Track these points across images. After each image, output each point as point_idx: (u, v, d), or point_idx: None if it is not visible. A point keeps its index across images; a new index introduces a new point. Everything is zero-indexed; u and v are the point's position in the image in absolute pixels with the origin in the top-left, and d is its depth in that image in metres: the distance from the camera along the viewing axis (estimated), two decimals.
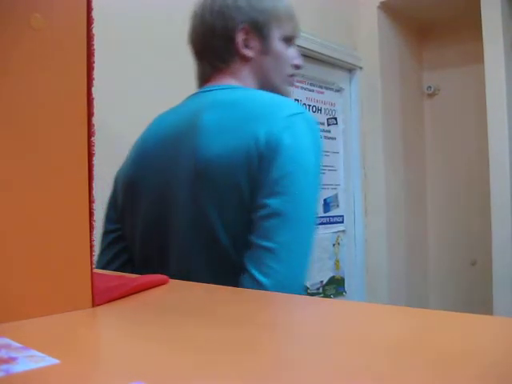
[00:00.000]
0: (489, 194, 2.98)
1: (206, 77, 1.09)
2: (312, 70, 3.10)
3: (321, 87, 3.21)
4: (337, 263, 3.18)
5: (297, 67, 1.14)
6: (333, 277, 3.17)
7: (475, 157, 3.56)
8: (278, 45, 1.09)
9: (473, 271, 3.64)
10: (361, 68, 3.41)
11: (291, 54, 1.13)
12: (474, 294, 3.51)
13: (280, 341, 0.43)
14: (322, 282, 3.09)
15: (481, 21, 3.00)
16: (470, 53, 3.48)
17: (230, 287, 0.67)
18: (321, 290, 3.08)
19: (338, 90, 3.34)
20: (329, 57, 3.15)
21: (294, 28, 1.13)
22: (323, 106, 3.22)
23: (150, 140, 1.07)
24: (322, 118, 3.21)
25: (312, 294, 2.99)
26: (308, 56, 3.04)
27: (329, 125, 3.24)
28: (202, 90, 1.05)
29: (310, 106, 3.12)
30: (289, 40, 1.11)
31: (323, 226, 3.16)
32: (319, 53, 3.06)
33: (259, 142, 0.87)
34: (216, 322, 0.48)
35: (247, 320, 0.49)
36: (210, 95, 1.01)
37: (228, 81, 1.05)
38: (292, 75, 1.13)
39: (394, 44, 3.59)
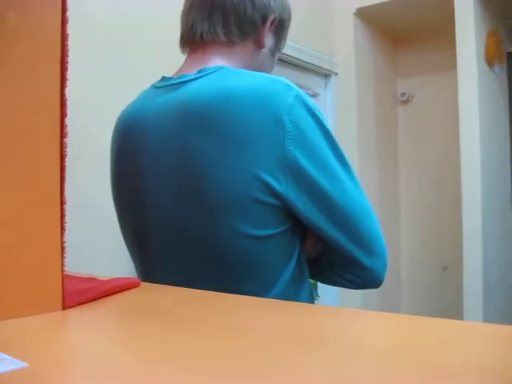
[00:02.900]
0: (460, 200, 3.02)
1: (199, 39, 1.00)
2: (288, 74, 3.11)
3: None
4: None
5: None
6: None
7: (447, 163, 3.60)
8: (277, 52, 1.12)
9: (444, 276, 3.68)
10: (336, 74, 3.43)
11: None
12: (444, 299, 3.55)
13: (254, 346, 0.43)
14: None
15: (454, 30, 3.04)
16: (444, 61, 3.53)
17: (201, 290, 0.67)
18: None
19: (313, 95, 3.35)
20: (305, 62, 3.16)
21: (283, 46, 1.15)
22: None
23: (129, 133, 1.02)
24: None
25: None
26: (284, 61, 3.05)
27: None
28: (185, 78, 0.95)
29: None
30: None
31: None
32: (295, 58, 3.07)
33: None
34: (186, 325, 0.48)
35: (220, 323, 0.49)
36: (195, 94, 0.90)
37: (218, 59, 0.99)
38: None
39: (370, 51, 3.62)
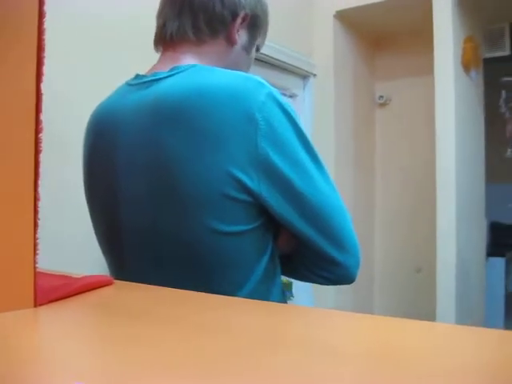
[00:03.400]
0: (435, 202, 3.05)
1: (170, 38, 1.01)
2: (266, 75, 3.11)
3: None
4: None
5: None
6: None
7: (423, 166, 3.63)
8: (253, 49, 1.11)
9: (418, 278, 3.71)
10: (315, 75, 3.44)
11: None
12: (418, 301, 3.58)
13: (225, 345, 0.43)
14: None
15: (432, 34, 3.07)
16: (421, 65, 3.56)
17: (173, 289, 0.67)
18: None
19: (291, 96, 3.36)
20: (283, 62, 3.17)
21: (263, 43, 1.15)
22: None
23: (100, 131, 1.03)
24: None
25: None
26: (262, 61, 3.05)
27: None
28: (158, 76, 0.96)
29: None
30: (256, 50, 1.13)
31: None
32: (274, 58, 3.07)
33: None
34: (157, 324, 0.48)
35: (191, 322, 0.49)
36: (165, 93, 0.91)
37: (190, 57, 1.00)
38: None
39: (348, 53, 3.64)
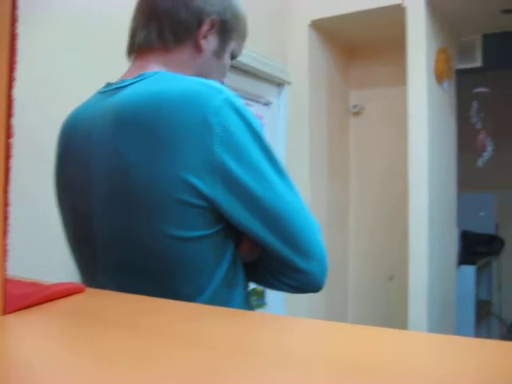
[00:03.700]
0: (407, 211, 3.08)
1: (140, 46, 1.03)
2: (241, 82, 3.12)
3: (249, 100, 3.23)
4: None
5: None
6: (253, 289, 3.17)
7: (396, 174, 3.67)
8: (227, 55, 1.10)
9: (390, 286, 3.74)
10: (289, 83, 3.46)
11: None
12: (390, 308, 3.61)
13: (203, 355, 0.43)
14: None
15: (405, 45, 3.11)
16: (395, 74, 3.60)
17: (144, 296, 0.66)
18: None
19: (266, 104, 3.37)
20: (258, 70, 3.17)
21: (240, 49, 1.14)
22: None
23: (69, 138, 1.04)
24: None
25: None
26: (237, 68, 3.05)
27: None
28: (124, 83, 0.97)
29: None
30: (233, 57, 1.12)
31: None
32: (249, 66, 3.08)
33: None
34: (129, 331, 0.47)
35: (164, 331, 0.48)
36: (124, 99, 0.93)
37: (157, 64, 1.01)
38: None
39: (323, 62, 3.66)
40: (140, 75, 0.96)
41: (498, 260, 5.17)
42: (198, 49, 1.03)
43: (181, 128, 0.83)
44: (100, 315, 0.56)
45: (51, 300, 0.60)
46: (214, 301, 0.89)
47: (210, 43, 1.04)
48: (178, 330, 0.50)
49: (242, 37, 1.12)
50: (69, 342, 0.44)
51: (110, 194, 0.91)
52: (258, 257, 0.99)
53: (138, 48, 1.02)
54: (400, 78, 3.27)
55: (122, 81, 0.99)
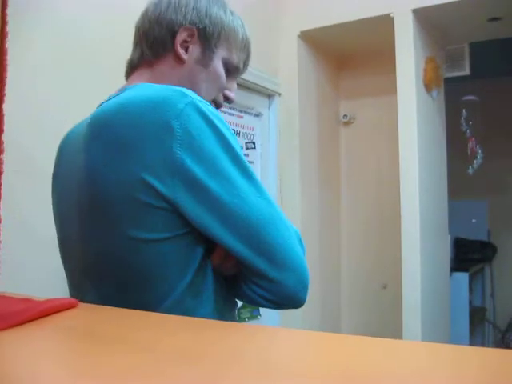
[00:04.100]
0: (399, 219, 3.09)
1: (132, 66, 1.08)
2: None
3: (240, 111, 3.23)
4: None
5: (227, 99, 1.14)
6: None
7: (387, 183, 3.68)
8: (218, 64, 1.08)
9: (384, 294, 3.74)
10: (280, 94, 3.47)
11: (229, 84, 1.13)
12: (384, 317, 3.61)
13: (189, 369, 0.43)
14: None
15: (395, 55, 3.13)
16: (384, 84, 3.62)
17: (138, 311, 0.66)
18: (236, 314, 3.06)
19: (256, 115, 3.38)
20: (249, 82, 3.19)
21: (242, 61, 1.13)
22: (242, 130, 3.25)
23: (59, 156, 1.10)
24: (241, 141, 3.23)
25: None
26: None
27: (247, 149, 3.27)
28: (107, 99, 1.00)
29: None
30: (232, 69, 1.11)
31: None
32: (240, 77, 3.09)
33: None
34: (124, 347, 0.47)
35: (158, 346, 0.48)
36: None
37: (141, 78, 1.04)
38: (219, 104, 1.12)
39: (313, 72, 3.68)
40: (123, 89, 0.99)
41: (491, 266, 5.19)
42: (179, 59, 1.04)
43: (143, 131, 0.83)
44: (94, 331, 0.56)
45: (45, 316, 0.60)
46: (175, 310, 0.86)
47: (192, 53, 1.04)
48: (170, 344, 0.50)
49: (238, 47, 1.10)
50: (64, 359, 0.44)
51: (77, 202, 0.94)
52: (233, 270, 0.94)
53: (130, 68, 1.08)
54: (390, 87, 3.29)
55: (108, 97, 1.01)
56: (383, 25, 3.16)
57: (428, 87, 3.30)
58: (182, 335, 0.55)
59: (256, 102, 3.38)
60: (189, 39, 1.03)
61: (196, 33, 1.03)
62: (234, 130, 3.18)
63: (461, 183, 4.27)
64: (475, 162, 4.07)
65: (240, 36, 1.10)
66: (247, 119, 3.30)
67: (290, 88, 3.46)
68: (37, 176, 1.61)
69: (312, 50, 3.65)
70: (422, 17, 3.18)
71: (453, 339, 3.69)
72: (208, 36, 1.05)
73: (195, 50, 1.04)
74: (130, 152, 0.83)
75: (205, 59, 1.06)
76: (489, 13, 3.19)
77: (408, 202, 3.07)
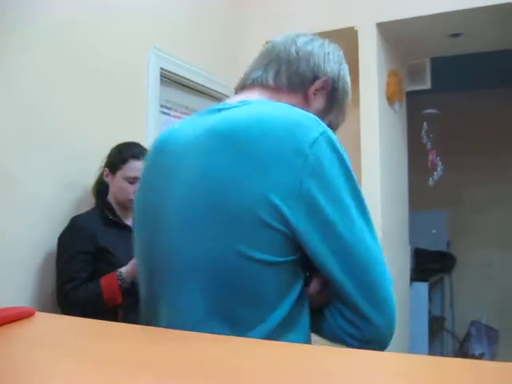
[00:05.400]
0: None
1: (255, 81, 1.08)
2: (196, 102, 3.13)
3: None
4: None
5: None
6: None
7: None
8: (326, 119, 1.09)
9: None
10: None
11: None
12: None
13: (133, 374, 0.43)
14: None
15: (358, 67, 3.17)
16: None
17: (93, 320, 0.66)
18: None
19: None
20: (213, 91, 3.20)
21: (337, 122, 1.18)
22: None
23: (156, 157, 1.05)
24: None
25: None
26: (193, 89, 3.07)
27: None
28: (224, 106, 1.00)
29: None
30: (332, 124, 1.14)
31: None
32: (204, 86, 3.10)
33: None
34: (78, 357, 0.47)
35: (112, 357, 0.48)
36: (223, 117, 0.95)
37: (263, 96, 1.05)
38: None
39: None
40: (242, 101, 0.99)
41: (450, 276, 5.28)
42: (307, 101, 1.07)
43: (274, 152, 0.84)
44: (50, 340, 0.56)
45: (1, 325, 0.59)
46: (274, 336, 0.84)
47: (317, 100, 1.08)
48: (127, 353, 0.50)
49: (342, 112, 1.17)
50: (19, 369, 0.44)
51: (187, 212, 0.91)
52: (323, 303, 0.95)
53: (252, 83, 1.08)
54: (352, 99, 3.32)
55: (223, 104, 1.02)
56: (347, 37, 3.20)
57: (390, 100, 3.36)
58: (140, 344, 0.56)
59: None
60: (321, 89, 1.08)
61: (328, 87, 1.08)
62: None
63: (421, 194, 4.34)
64: (435, 173, 4.14)
65: (347, 104, 1.18)
66: None
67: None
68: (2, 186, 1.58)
69: None
70: (386, 31, 3.23)
71: (412, 348, 3.73)
72: (337, 97, 1.11)
73: (319, 100, 1.09)
74: (262, 171, 0.84)
75: (322, 114, 1.08)
76: (450, 29, 3.27)
77: (370, 210, 3.09)
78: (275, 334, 0.85)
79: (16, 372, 0.43)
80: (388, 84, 3.33)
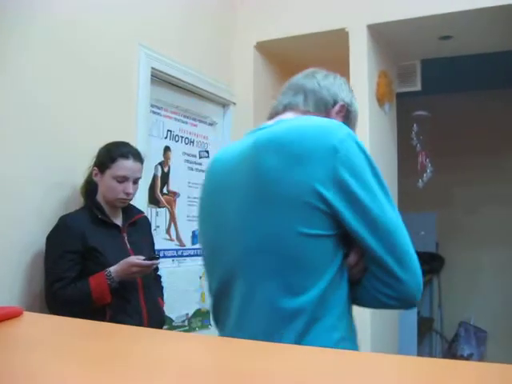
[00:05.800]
0: None
1: (287, 107, 1.33)
2: (187, 102, 3.13)
3: (194, 120, 3.23)
4: (203, 295, 3.17)
5: None
6: (199, 309, 3.15)
7: None
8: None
9: None
10: (234, 104, 3.48)
11: None
12: None
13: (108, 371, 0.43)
14: (187, 314, 3.06)
15: (348, 68, 3.18)
16: None
17: (80, 319, 0.66)
18: (186, 323, 3.05)
19: (211, 124, 3.38)
20: (204, 91, 3.19)
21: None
22: (196, 139, 3.24)
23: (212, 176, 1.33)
24: (194, 150, 3.23)
25: (177, 327, 2.96)
26: (183, 88, 3.06)
27: (200, 157, 3.26)
28: (263, 126, 1.25)
29: (182, 137, 3.12)
30: None
31: (190, 257, 3.16)
32: (195, 86, 3.10)
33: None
34: (65, 357, 0.47)
35: (104, 357, 0.48)
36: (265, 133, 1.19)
37: (294, 115, 1.29)
38: None
39: (268, 83, 3.70)
40: (279, 121, 1.26)
41: (439, 278, 5.30)
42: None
43: (313, 151, 1.09)
44: (38, 340, 0.55)
45: None
46: (321, 299, 1.08)
47: (336, 119, 1.28)
48: (115, 353, 0.50)
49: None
50: (6, 369, 0.44)
51: (247, 204, 1.15)
52: (359, 275, 1.17)
53: (284, 108, 1.34)
54: None
55: (263, 125, 1.27)
56: (338, 38, 3.21)
57: (380, 101, 3.37)
58: (131, 343, 0.55)
59: (210, 110, 3.38)
60: (339, 112, 1.33)
61: (344, 110, 1.34)
62: (187, 138, 3.17)
63: (410, 196, 4.36)
64: (425, 175, 4.16)
65: (357, 117, 1.44)
66: (201, 128, 3.30)
67: (245, 98, 3.48)
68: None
69: (268, 61, 3.67)
70: (377, 33, 3.25)
71: (401, 349, 3.75)
72: (349, 119, 1.36)
73: (339, 118, 1.31)
74: (305, 166, 1.08)
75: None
76: (440, 31, 3.28)
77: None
78: (322, 298, 1.09)
79: (3, 372, 0.42)
80: (378, 85, 3.34)
